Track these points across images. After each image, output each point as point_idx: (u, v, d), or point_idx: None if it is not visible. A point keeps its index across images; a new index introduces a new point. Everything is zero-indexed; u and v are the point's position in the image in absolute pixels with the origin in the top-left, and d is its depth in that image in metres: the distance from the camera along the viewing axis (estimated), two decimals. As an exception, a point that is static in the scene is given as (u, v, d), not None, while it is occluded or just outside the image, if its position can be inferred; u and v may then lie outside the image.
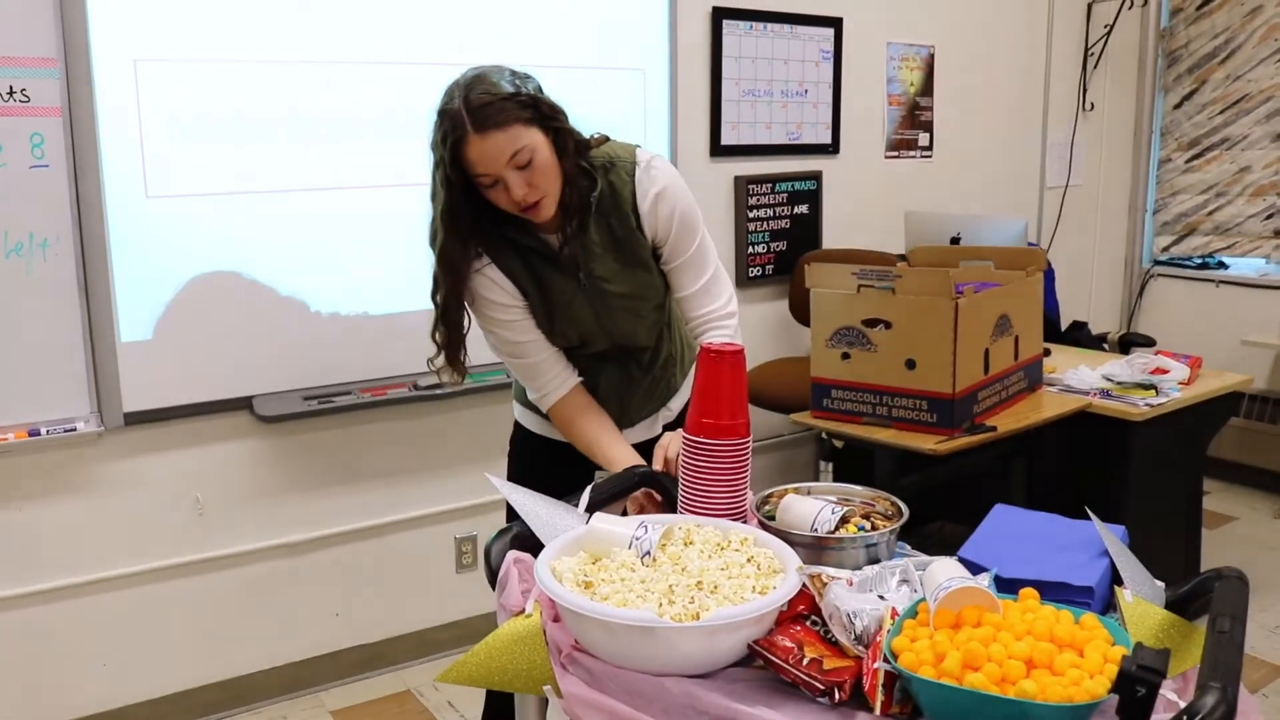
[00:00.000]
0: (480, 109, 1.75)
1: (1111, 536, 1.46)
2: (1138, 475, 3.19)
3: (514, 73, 1.86)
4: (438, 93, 1.83)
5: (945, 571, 1.32)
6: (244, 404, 2.93)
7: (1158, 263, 5.29)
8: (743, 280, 3.84)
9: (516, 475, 2.19)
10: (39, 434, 2.64)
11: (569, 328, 1.99)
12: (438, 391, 3.11)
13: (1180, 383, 3.29)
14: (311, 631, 3.16)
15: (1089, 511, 1.50)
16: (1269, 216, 4.88)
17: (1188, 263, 5.18)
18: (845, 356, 2.89)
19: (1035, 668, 1.18)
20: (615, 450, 1.96)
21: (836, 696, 1.26)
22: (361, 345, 3.08)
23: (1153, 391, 3.20)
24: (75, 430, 2.68)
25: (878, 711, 1.24)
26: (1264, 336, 4.65)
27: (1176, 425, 3.23)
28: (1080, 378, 3.28)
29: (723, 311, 2.06)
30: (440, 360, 1.98)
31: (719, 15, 3.68)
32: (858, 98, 4.11)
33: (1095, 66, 4.99)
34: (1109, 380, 3.26)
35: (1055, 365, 3.43)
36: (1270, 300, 4.75)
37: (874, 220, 4.16)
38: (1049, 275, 4.40)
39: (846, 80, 4.06)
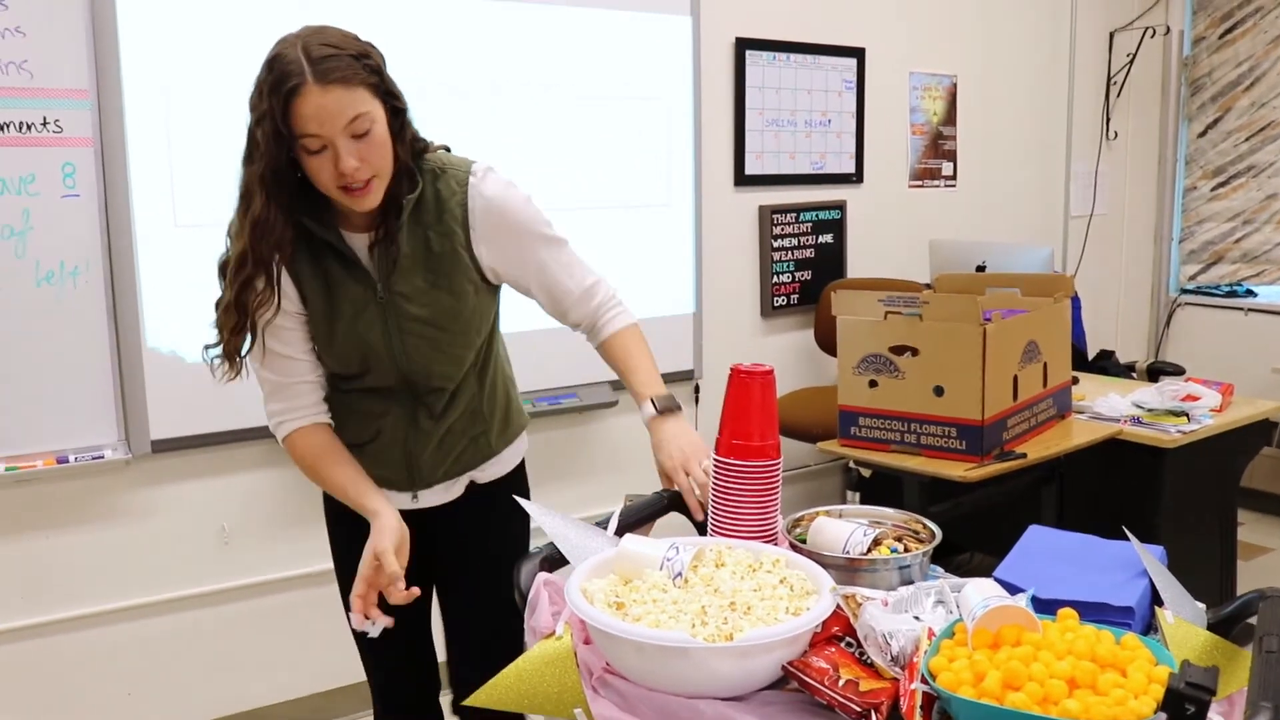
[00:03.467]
0: (324, 60, 1.54)
1: (1150, 557, 1.43)
2: (1170, 504, 3.15)
3: (360, 39, 1.64)
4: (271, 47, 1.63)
5: (981, 591, 1.30)
6: (271, 433, 2.93)
7: (1185, 291, 5.25)
8: (768, 310, 3.83)
9: (340, 548, 2.03)
10: (67, 461, 2.65)
11: (352, 347, 1.75)
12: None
13: (1212, 410, 3.25)
14: (336, 662, 3.13)
15: (1127, 532, 1.48)
16: (1297, 244, 4.85)
17: (1215, 291, 5.14)
18: (873, 384, 2.87)
19: (1078, 688, 1.15)
20: (372, 500, 1.75)
21: (874, 718, 1.24)
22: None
23: (1184, 419, 3.16)
24: (103, 458, 2.69)
25: (915, 734, 1.21)
26: (1293, 362, 4.61)
27: (1209, 453, 3.19)
28: (1110, 405, 3.25)
29: (612, 297, 1.95)
30: (217, 351, 1.72)
31: (742, 46, 3.70)
32: (881, 127, 4.12)
33: (1118, 95, 4.98)
34: (1139, 407, 3.23)
35: (1084, 393, 3.40)
36: (1301, 327, 4.71)
37: (898, 249, 4.15)
38: (1075, 304, 4.37)
39: (870, 110, 4.06)
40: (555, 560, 1.57)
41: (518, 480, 2.02)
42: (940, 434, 2.79)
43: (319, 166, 1.59)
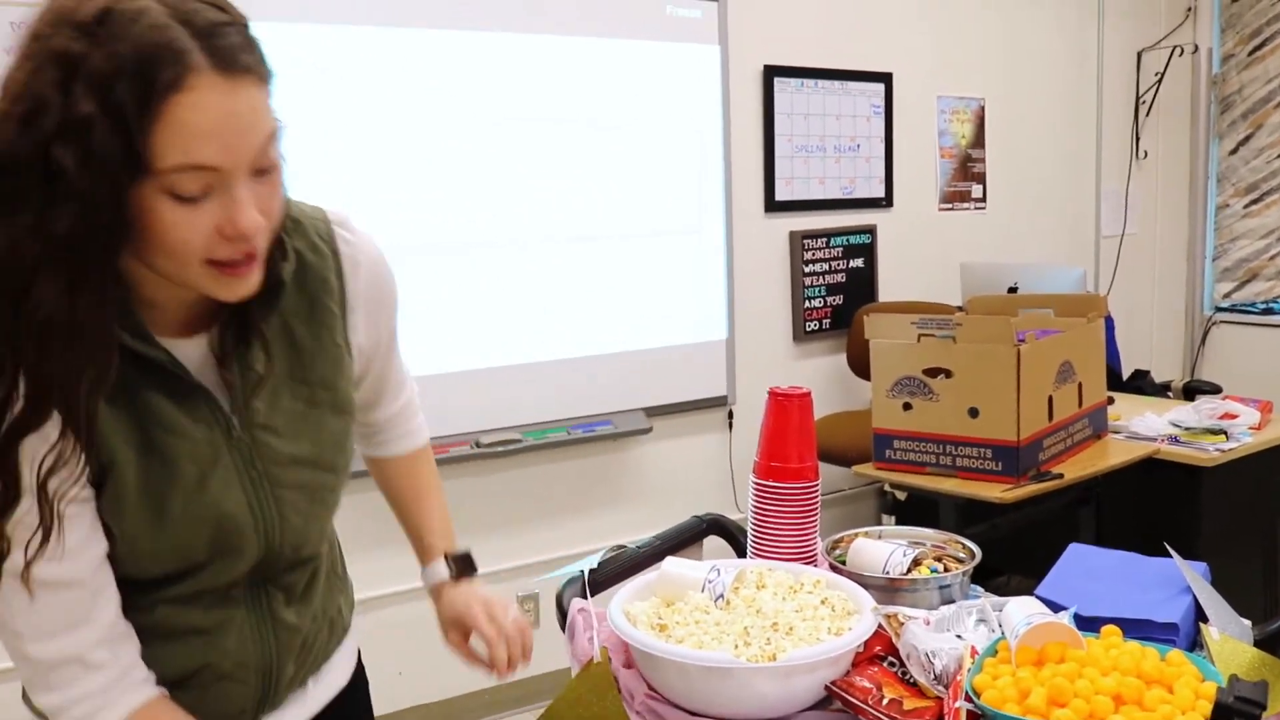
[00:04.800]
0: (220, 32, 0.91)
1: (1194, 573, 1.43)
2: (1210, 523, 3.12)
3: None
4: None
5: (1024, 609, 1.30)
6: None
7: (1219, 309, 5.22)
8: (800, 335, 3.84)
9: None
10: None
11: (193, 533, 1.06)
12: (499, 449, 3.13)
13: (1251, 427, 3.23)
14: (374, 691, 3.15)
15: (1169, 548, 1.48)
16: (1332, 260, 4.81)
17: (1251, 309, 5.10)
18: (907, 407, 2.87)
19: (1124, 704, 1.15)
20: None
21: (918, 738, 1.24)
22: (424, 403, 3.11)
23: (1223, 437, 3.14)
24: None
25: (961, 753, 1.21)
26: (1332, 381, 4.56)
27: (1248, 471, 3.16)
28: (1147, 424, 3.23)
29: (414, 399, 1.53)
30: None
31: (770, 73, 3.73)
32: (909, 151, 4.13)
33: (1147, 114, 4.98)
34: (1177, 426, 3.20)
35: (1120, 413, 3.38)
36: (1337, 345, 4.67)
37: (929, 272, 4.16)
38: (1109, 324, 4.35)
39: (898, 134, 4.08)
40: (595, 584, 1.58)
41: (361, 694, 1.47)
42: (976, 455, 2.78)
43: (186, 223, 0.92)
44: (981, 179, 4.37)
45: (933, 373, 2.82)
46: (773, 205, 3.74)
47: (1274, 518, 3.46)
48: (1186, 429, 3.19)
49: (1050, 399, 2.86)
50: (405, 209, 3.03)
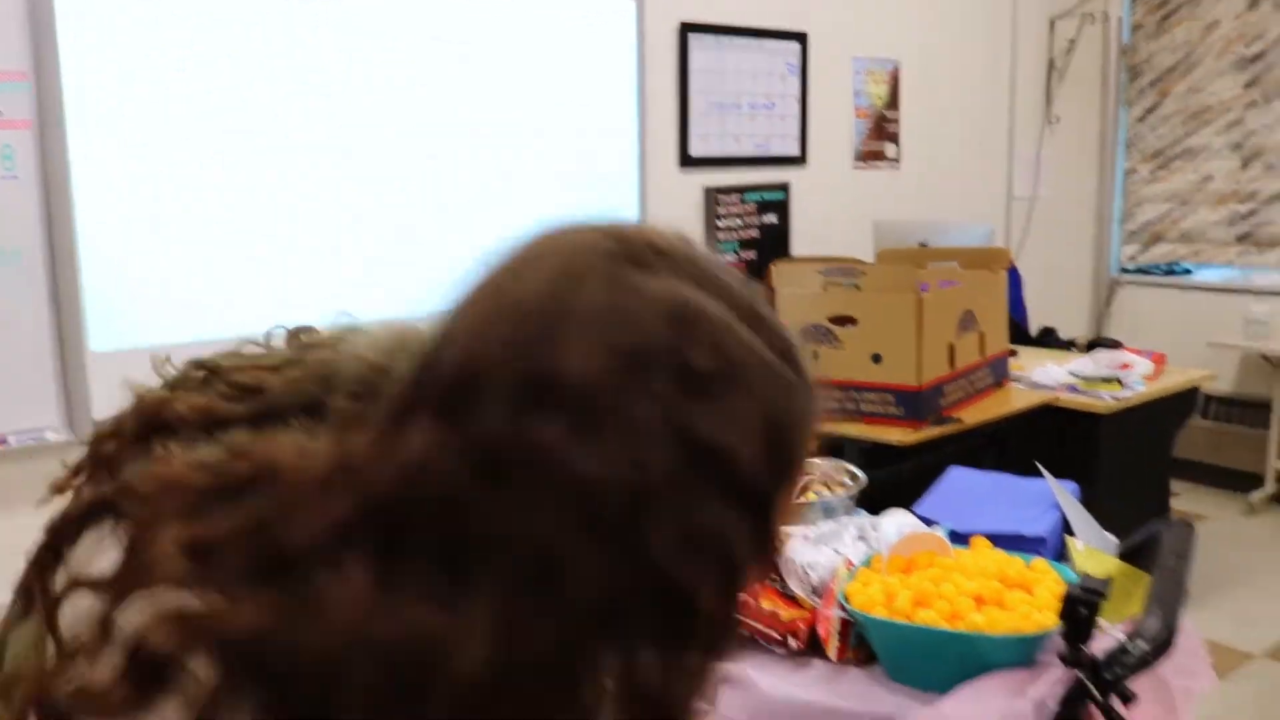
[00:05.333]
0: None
1: (1063, 491, 1.49)
2: (1107, 466, 3.22)
3: None
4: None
5: (897, 521, 1.35)
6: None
7: (1125, 271, 5.36)
8: (714, 289, 3.88)
9: None
10: (7, 443, 2.64)
11: None
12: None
13: (1145, 377, 3.34)
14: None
15: (1040, 467, 1.53)
16: (1231, 224, 4.96)
17: (1155, 270, 5.25)
18: (814, 355, 2.92)
19: (985, 604, 1.20)
20: None
21: (793, 645, 1.28)
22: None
23: (1117, 385, 3.24)
24: (44, 439, 2.68)
25: (833, 658, 1.26)
26: (1228, 339, 4.71)
27: (1142, 419, 3.27)
28: (1047, 374, 3.32)
29: None
30: None
31: (686, 30, 3.74)
32: (825, 110, 4.17)
33: (1059, 80, 5.08)
34: (1075, 376, 3.30)
35: (1023, 364, 3.47)
36: (1234, 304, 4.82)
37: (843, 229, 4.21)
38: (1016, 282, 4.45)
39: (813, 93, 4.12)
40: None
41: None
42: (879, 400, 2.84)
43: None
44: (896, 139, 4.43)
45: (839, 321, 2.88)
46: (687, 161, 3.76)
47: (1166, 465, 3.59)
48: (1084, 378, 3.29)
49: (952, 347, 2.93)
50: (331, 161, 3.00)
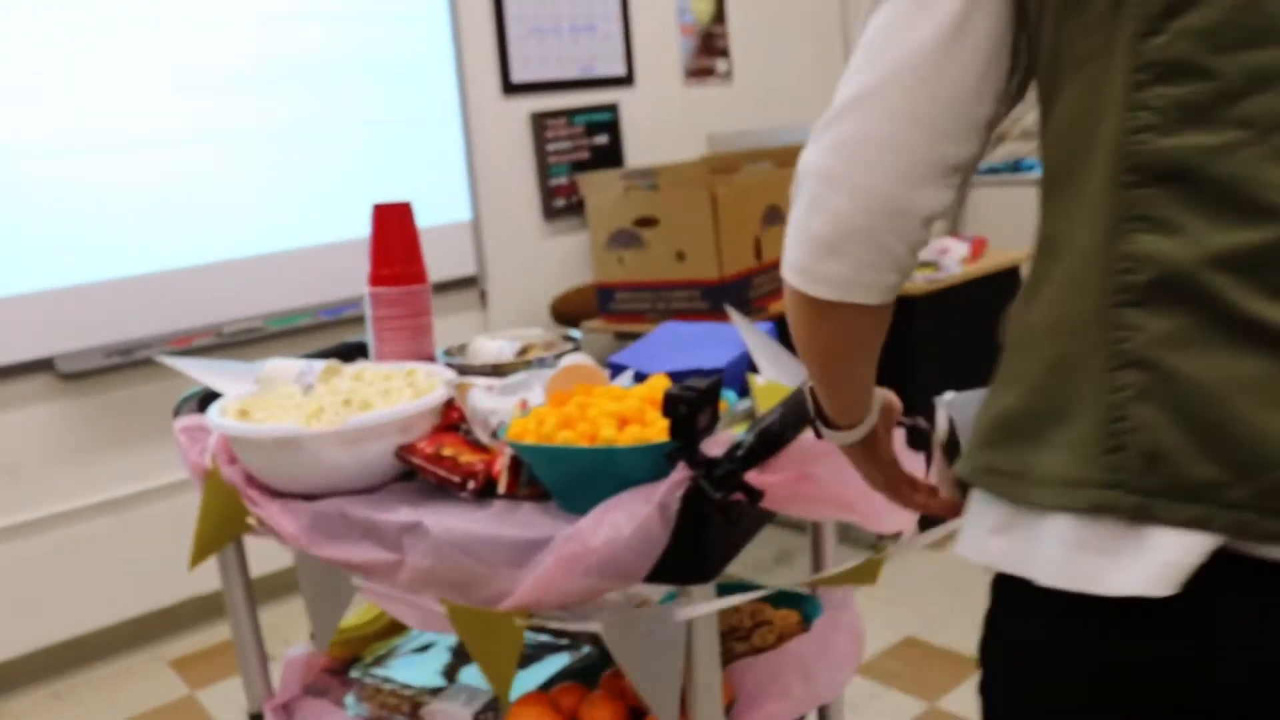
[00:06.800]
0: None
1: (752, 329, 1.58)
2: (927, 350, 3.35)
3: None
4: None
5: (571, 360, 1.43)
6: (46, 365, 2.97)
7: (977, 172, 5.51)
8: (550, 212, 3.95)
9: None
10: None
11: None
12: (243, 338, 3.18)
13: (962, 260, 3.47)
14: (145, 586, 3.20)
15: (729, 309, 1.63)
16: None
17: (1002, 168, 5.41)
18: (621, 260, 3.00)
19: (628, 424, 1.29)
20: None
21: (470, 485, 1.36)
22: (167, 298, 3.12)
23: (933, 268, 3.37)
24: None
25: (502, 490, 1.34)
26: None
27: (960, 300, 3.40)
28: (866, 266, 3.43)
29: None
30: None
31: (499, -44, 3.78)
32: (648, 29, 4.23)
33: (892, -14, 5.17)
34: (892, 265, 3.42)
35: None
36: (1075, 192, 4.98)
37: (680, 145, 4.29)
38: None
39: (635, 12, 4.18)
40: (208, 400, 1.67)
41: None
42: (686, 297, 2.94)
43: None
44: (727, 53, 4.50)
45: (642, 223, 2.96)
46: (510, 88, 3.81)
47: (991, 342, 3.72)
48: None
49: (758, 240, 3.03)
50: (138, 99, 3.01)
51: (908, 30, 0.81)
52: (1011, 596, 0.87)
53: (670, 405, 1.17)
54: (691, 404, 1.16)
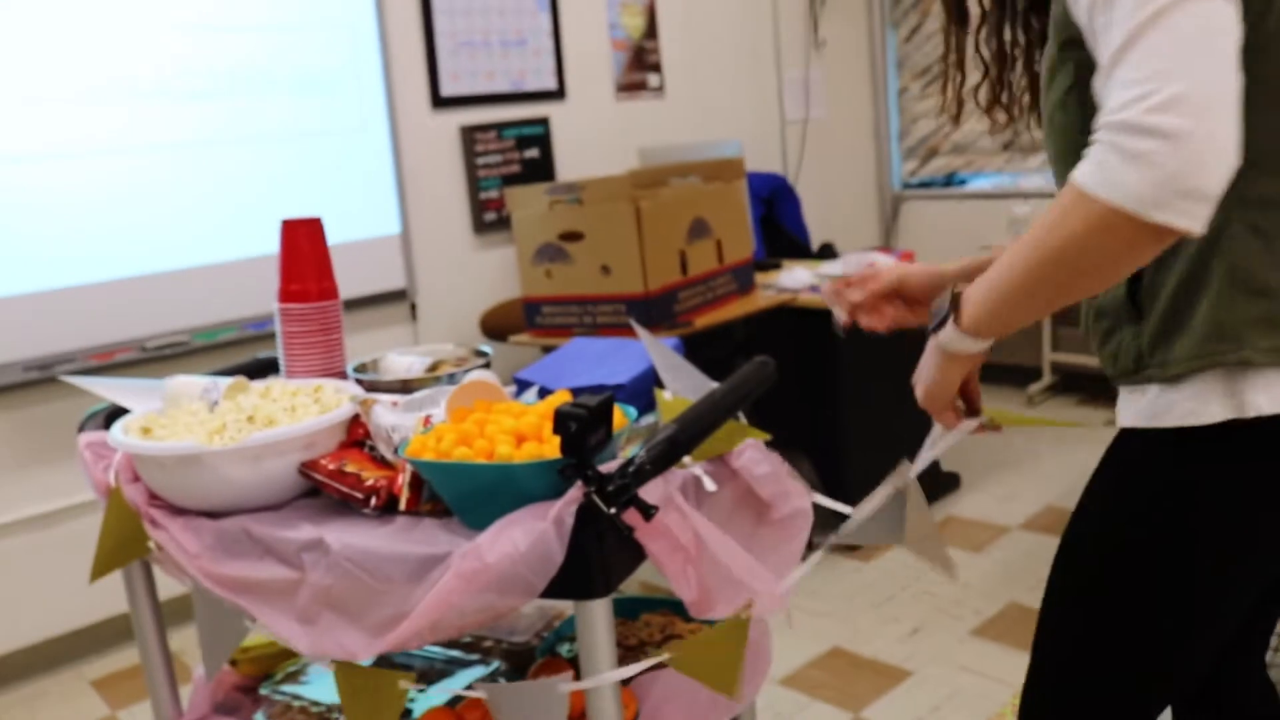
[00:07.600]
0: None
1: (659, 345, 1.60)
2: (853, 365, 3.39)
3: None
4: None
5: (473, 377, 1.44)
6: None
7: (908, 186, 5.60)
8: (480, 226, 3.95)
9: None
10: None
11: None
12: (166, 352, 3.14)
13: (886, 275, 3.52)
14: (66, 605, 3.15)
15: (634, 324, 1.65)
16: (996, 134, 5.20)
17: (934, 182, 5.50)
18: (548, 274, 3.02)
19: (526, 440, 1.30)
20: None
21: (373, 502, 1.36)
22: (88, 312, 3.08)
23: (857, 283, 3.41)
24: None
25: (403, 507, 1.35)
26: (997, 239, 4.96)
27: (883, 313, 3.44)
28: (794, 278, 3.48)
29: None
30: None
31: (427, -31, 3.77)
32: (580, 44, 4.25)
33: (822, 4, 5.24)
34: (821, 278, 3.47)
35: (781, 274, 3.62)
36: (1002, 208, 5.08)
37: (610, 159, 4.30)
38: (794, 201, 4.63)
39: (566, 28, 4.20)
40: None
41: None
42: (612, 311, 2.96)
43: None
44: (658, 68, 4.54)
45: (568, 238, 2.98)
46: (439, 101, 3.81)
47: (914, 353, 3.78)
48: (829, 279, 3.45)
49: (683, 254, 3.06)
50: (57, 110, 2.97)
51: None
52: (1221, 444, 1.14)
53: (560, 422, 1.18)
54: (581, 421, 1.18)
